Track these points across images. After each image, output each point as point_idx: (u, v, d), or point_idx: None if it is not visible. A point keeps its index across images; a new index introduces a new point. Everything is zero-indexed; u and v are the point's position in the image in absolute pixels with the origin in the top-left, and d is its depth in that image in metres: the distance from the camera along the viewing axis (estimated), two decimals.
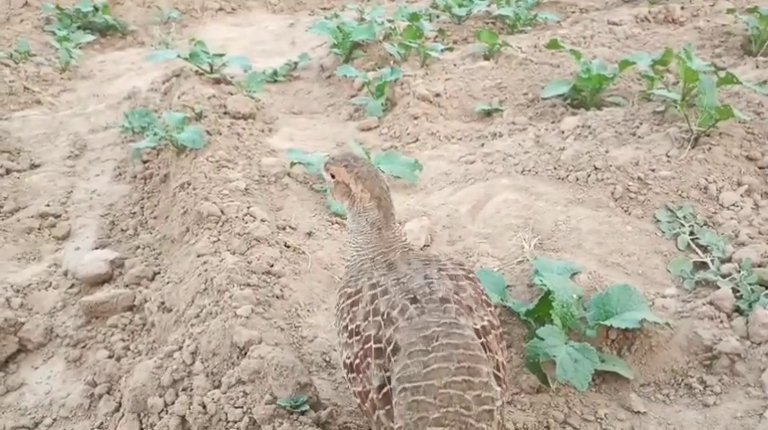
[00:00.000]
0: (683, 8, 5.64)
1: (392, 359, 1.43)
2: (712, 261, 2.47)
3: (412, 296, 1.51)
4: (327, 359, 2.18)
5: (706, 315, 2.16)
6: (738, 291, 2.23)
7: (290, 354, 2.03)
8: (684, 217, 2.71)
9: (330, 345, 2.24)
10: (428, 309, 1.48)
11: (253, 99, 4.61)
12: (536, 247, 2.76)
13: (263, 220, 2.88)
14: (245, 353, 2.02)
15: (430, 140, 4.07)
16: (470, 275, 1.68)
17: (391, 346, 1.44)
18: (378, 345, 1.47)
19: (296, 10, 8.70)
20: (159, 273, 2.96)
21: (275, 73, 5.73)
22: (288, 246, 2.79)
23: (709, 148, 3.04)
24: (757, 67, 4.17)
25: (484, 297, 1.63)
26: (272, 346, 2.05)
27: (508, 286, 2.49)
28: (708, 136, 3.14)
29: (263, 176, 3.41)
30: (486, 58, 5.02)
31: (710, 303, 2.20)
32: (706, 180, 2.90)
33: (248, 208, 2.96)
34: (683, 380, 2.04)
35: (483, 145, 3.80)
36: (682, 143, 3.14)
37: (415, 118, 4.26)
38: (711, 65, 4.05)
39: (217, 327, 2.16)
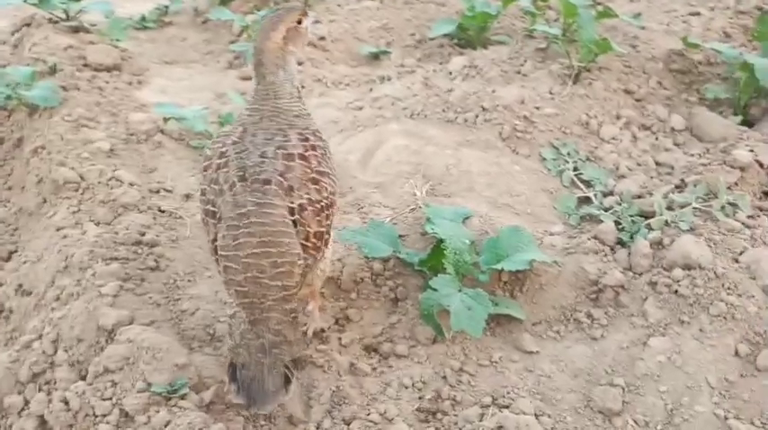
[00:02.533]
0: None
1: (217, 225, 1.76)
2: (595, 195, 2.52)
3: (242, 173, 1.76)
4: (212, 332, 2.01)
5: (591, 249, 2.20)
6: (620, 224, 2.29)
7: (164, 334, 1.84)
8: (568, 153, 2.74)
9: (214, 316, 2.07)
10: (252, 188, 1.74)
11: (117, 48, 4.14)
12: (428, 194, 2.69)
13: (131, 184, 2.60)
14: (114, 337, 1.81)
15: (316, 87, 3.86)
16: (308, 153, 1.82)
17: (218, 214, 1.77)
18: (212, 209, 1.79)
19: None
20: (16, 251, 2.62)
21: (144, 18, 5.19)
22: (162, 211, 2.54)
23: (590, 83, 3.08)
24: (632, 1, 4.27)
25: (313, 175, 1.81)
26: (145, 326, 1.85)
27: (401, 236, 2.41)
28: (588, 71, 3.18)
29: (132, 135, 3.08)
30: None
31: (595, 237, 2.25)
32: (587, 115, 2.94)
33: (114, 171, 2.65)
34: (571, 315, 2.08)
35: (371, 89, 3.65)
36: (564, 79, 3.15)
37: (300, 64, 4.01)
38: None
39: (80, 310, 1.93)
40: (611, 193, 2.51)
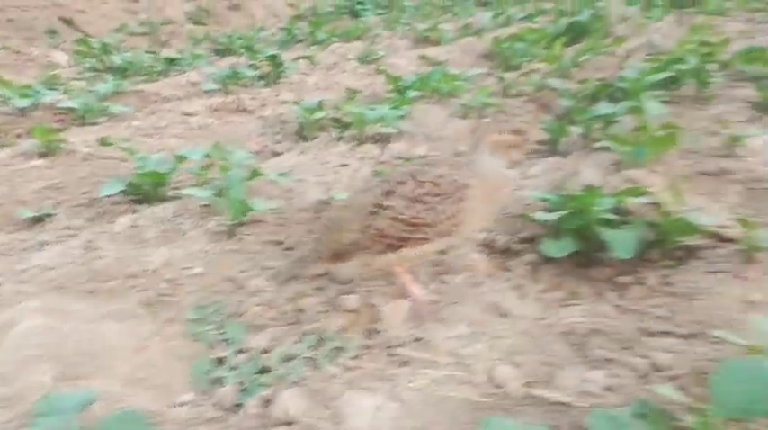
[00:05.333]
0: (252, 99, 6.21)
1: None
2: (230, 355, 2.57)
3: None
4: None
5: (212, 418, 2.21)
6: (244, 384, 2.35)
7: None
8: (213, 312, 2.80)
9: None
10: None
11: None
12: (58, 379, 2.48)
13: None
14: None
15: None
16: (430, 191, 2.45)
17: None
18: None
19: None
20: None
21: None
22: None
23: (241, 239, 3.26)
24: (302, 152, 4.78)
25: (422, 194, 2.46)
26: None
27: None
28: (243, 225, 3.38)
29: None
30: (44, 155, 4.60)
31: (216, 403, 2.26)
32: (236, 270, 3.08)
33: None
34: None
35: (20, 260, 3.38)
36: (220, 237, 3.30)
37: None
38: (259, 153, 4.48)
39: None
40: (246, 350, 2.59)
